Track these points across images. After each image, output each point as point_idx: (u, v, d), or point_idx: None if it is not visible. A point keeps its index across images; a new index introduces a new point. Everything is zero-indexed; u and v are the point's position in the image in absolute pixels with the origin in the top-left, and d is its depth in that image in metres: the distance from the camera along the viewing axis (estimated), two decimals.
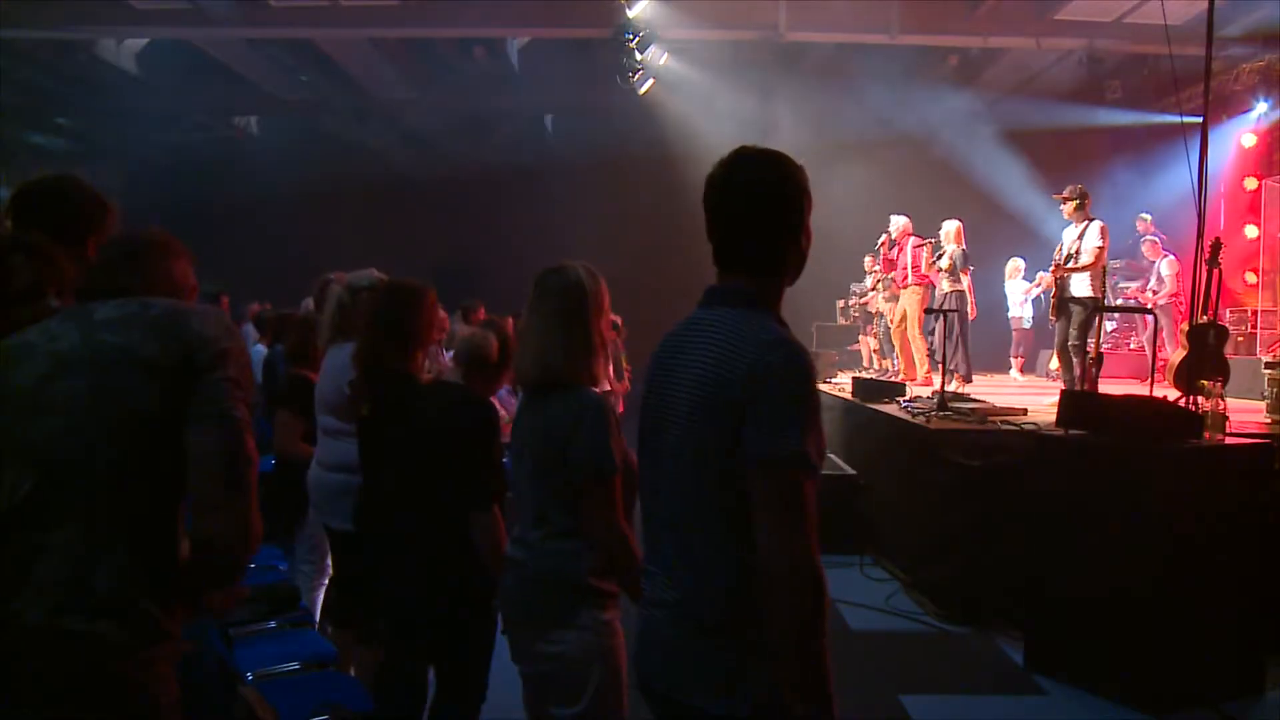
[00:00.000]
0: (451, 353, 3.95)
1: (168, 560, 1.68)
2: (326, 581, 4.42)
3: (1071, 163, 12.10)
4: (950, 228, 9.13)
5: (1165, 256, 10.32)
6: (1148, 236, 10.62)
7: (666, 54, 11.35)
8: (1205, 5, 6.06)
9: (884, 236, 10.02)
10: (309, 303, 7.04)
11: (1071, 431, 4.64)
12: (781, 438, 1.61)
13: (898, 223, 9.70)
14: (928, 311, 8.58)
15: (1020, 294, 11.49)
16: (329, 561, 4.39)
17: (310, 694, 2.98)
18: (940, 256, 9.05)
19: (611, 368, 3.43)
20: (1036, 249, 10.74)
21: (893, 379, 9.19)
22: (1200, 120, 5.97)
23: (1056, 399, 4.96)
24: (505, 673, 2.74)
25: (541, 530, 2.41)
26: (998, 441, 5.47)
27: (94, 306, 1.72)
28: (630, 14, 9.84)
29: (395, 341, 3.28)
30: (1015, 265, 11.50)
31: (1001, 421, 5.93)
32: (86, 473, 1.60)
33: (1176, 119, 7.18)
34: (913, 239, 9.51)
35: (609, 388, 3.07)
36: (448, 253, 14.29)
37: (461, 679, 3.03)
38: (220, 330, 1.73)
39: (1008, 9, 10.35)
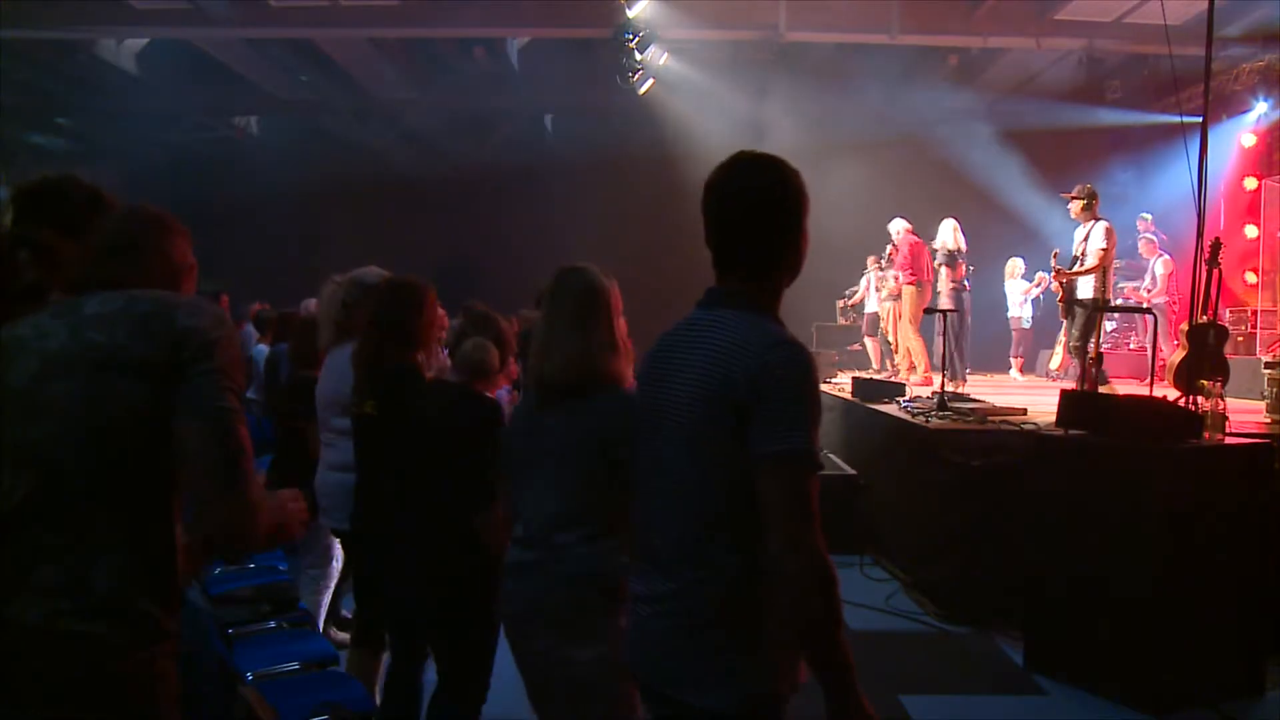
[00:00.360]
0: (447, 351, 3.95)
1: (166, 558, 1.67)
2: (332, 585, 4.43)
3: (1071, 163, 12.10)
4: (947, 226, 9.17)
5: (1160, 256, 10.32)
6: (1144, 235, 10.62)
7: (666, 54, 11.35)
8: (1205, 5, 6.06)
9: (890, 247, 10.02)
10: (310, 303, 7.04)
11: (1071, 431, 4.64)
12: (790, 436, 1.65)
13: (898, 226, 9.71)
14: (927, 311, 8.58)
15: (1020, 294, 11.49)
16: (336, 565, 4.40)
17: (310, 694, 2.98)
18: (934, 254, 9.11)
19: None
20: (1036, 249, 10.74)
21: (892, 378, 9.21)
22: (1200, 120, 5.97)
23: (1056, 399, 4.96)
24: (506, 673, 2.73)
25: (574, 532, 2.33)
26: (997, 441, 5.47)
27: (83, 301, 1.70)
28: (630, 14, 9.84)
29: (397, 340, 3.28)
30: (1015, 265, 11.50)
31: (1001, 421, 5.93)
32: (82, 475, 1.60)
33: (1176, 119, 7.18)
34: (911, 239, 9.53)
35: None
36: (447, 252, 14.28)
37: (463, 679, 3.03)
38: (208, 321, 1.69)
39: (1008, 9, 10.35)
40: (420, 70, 13.05)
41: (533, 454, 2.43)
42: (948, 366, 7.65)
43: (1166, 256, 10.28)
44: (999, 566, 5.12)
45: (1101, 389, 6.89)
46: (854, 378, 8.48)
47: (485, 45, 12.08)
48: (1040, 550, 4.65)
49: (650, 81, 11.55)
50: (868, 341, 11.55)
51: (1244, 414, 6.18)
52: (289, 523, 1.79)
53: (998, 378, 11.28)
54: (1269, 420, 6.14)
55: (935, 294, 9.26)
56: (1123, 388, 8.01)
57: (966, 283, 9.38)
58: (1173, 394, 6.03)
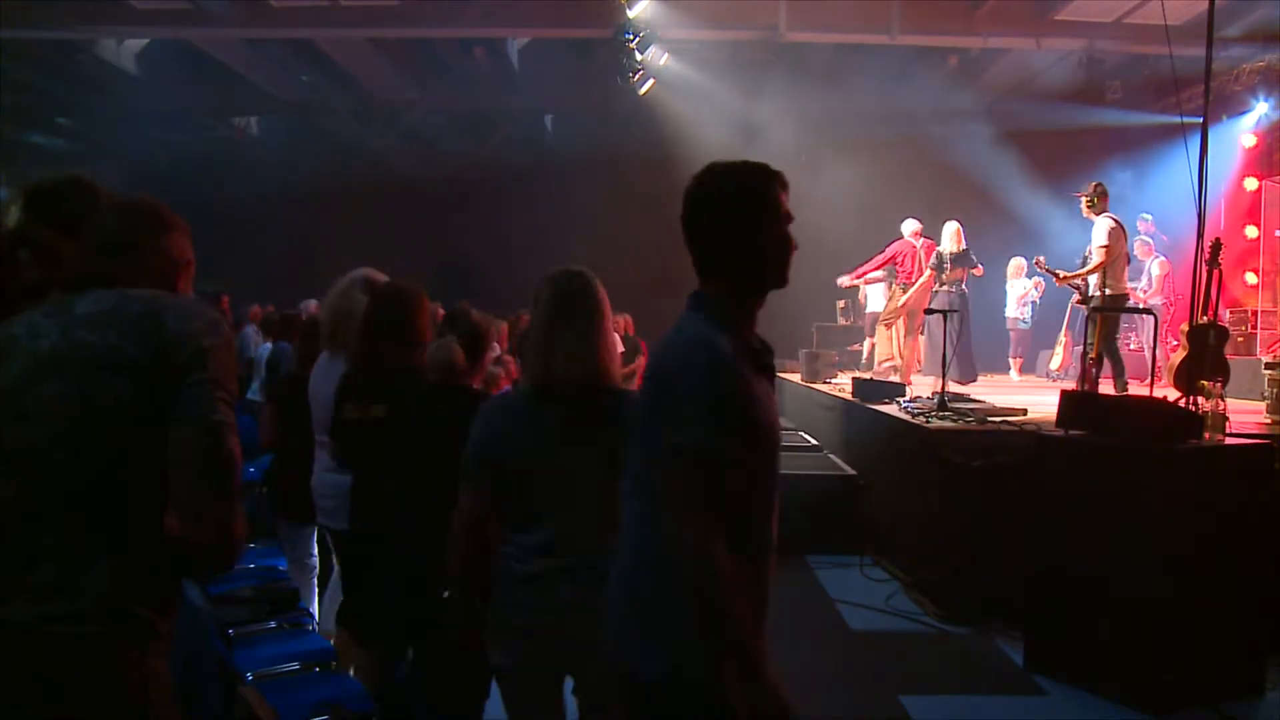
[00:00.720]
0: None
1: (157, 559, 1.65)
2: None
3: (1071, 163, 12.10)
4: (950, 229, 9.17)
5: (1155, 257, 10.32)
6: (1141, 236, 10.61)
7: (666, 54, 11.36)
8: (1205, 5, 6.05)
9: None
10: (311, 304, 7.05)
11: (1071, 432, 4.64)
12: (680, 431, 1.72)
13: (907, 228, 9.71)
14: (927, 312, 8.58)
15: (1020, 295, 11.46)
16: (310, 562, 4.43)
17: (310, 694, 2.99)
18: (945, 256, 9.12)
19: None
20: (1035, 249, 10.70)
21: (889, 373, 9.26)
22: (1200, 120, 5.96)
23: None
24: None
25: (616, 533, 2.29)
26: (998, 442, 5.47)
27: (76, 300, 1.67)
28: (630, 14, 9.84)
29: (395, 341, 3.29)
30: (1018, 265, 11.47)
31: (1001, 422, 5.93)
32: (71, 478, 1.58)
33: (1177, 119, 7.17)
34: (902, 241, 9.59)
35: None
36: (447, 253, 14.31)
37: (461, 680, 3.03)
38: (201, 325, 1.66)
39: (1008, 9, 10.36)
40: (420, 70, 13.05)
41: (551, 460, 2.39)
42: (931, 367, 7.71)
43: (1162, 258, 10.28)
44: (999, 567, 5.11)
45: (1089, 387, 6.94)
46: (854, 378, 8.48)
47: (485, 45, 12.08)
48: (1040, 550, 4.65)
49: (650, 82, 11.56)
50: (868, 343, 11.55)
51: (1244, 414, 6.18)
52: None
53: (997, 378, 11.27)
54: (1269, 421, 6.14)
55: (933, 294, 9.26)
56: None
57: (965, 286, 9.39)
58: (1173, 394, 6.03)
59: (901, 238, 9.82)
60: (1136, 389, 7.77)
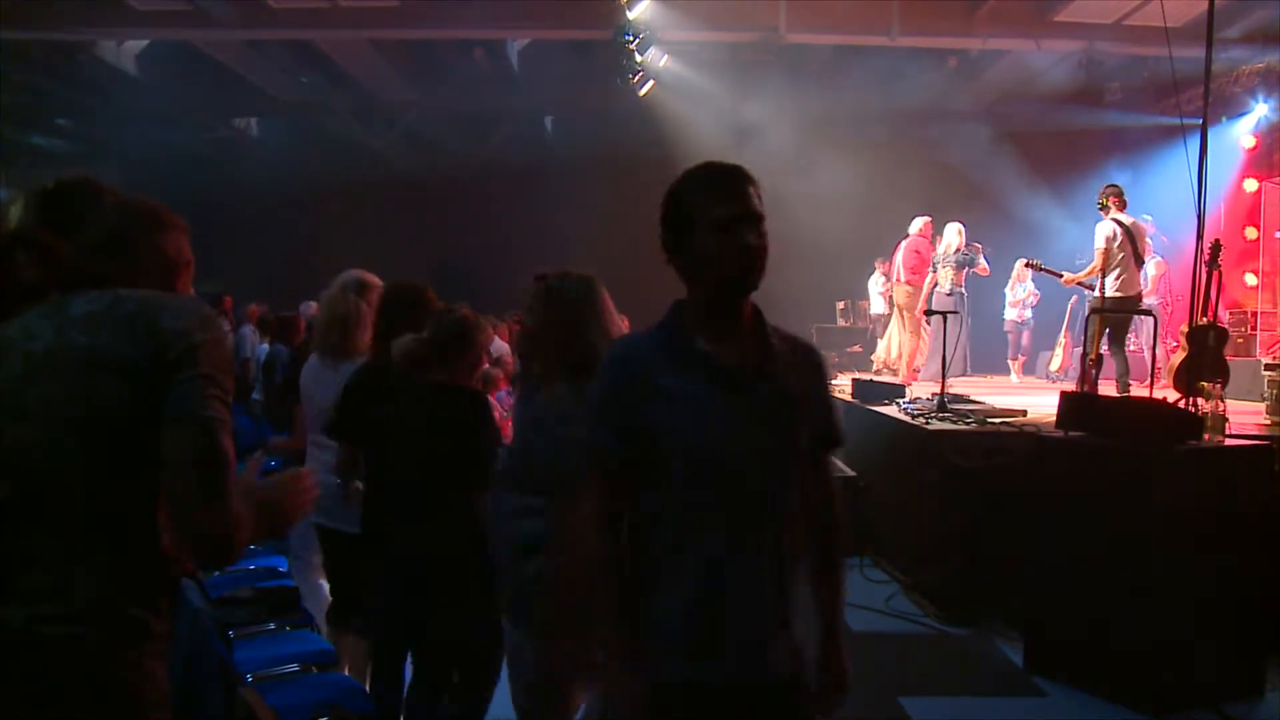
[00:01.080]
0: None
1: (152, 560, 1.65)
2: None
3: (1071, 164, 12.10)
4: (954, 230, 9.18)
5: (1151, 258, 10.29)
6: None
7: (666, 55, 11.35)
8: (1205, 7, 6.06)
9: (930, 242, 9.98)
10: (310, 306, 7.04)
11: (1071, 433, 4.64)
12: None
13: (919, 224, 9.72)
14: (927, 313, 8.59)
15: (1022, 296, 11.36)
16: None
17: (310, 695, 2.99)
18: (947, 257, 9.11)
19: None
20: (1034, 250, 10.70)
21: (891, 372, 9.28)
22: (1200, 122, 5.97)
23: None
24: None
25: None
26: (997, 443, 5.47)
27: (71, 300, 1.67)
28: (630, 15, 9.84)
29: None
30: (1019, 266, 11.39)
31: (1001, 423, 5.93)
32: (63, 479, 1.58)
33: (1176, 120, 7.18)
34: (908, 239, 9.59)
35: None
36: (447, 253, 14.29)
37: (472, 681, 3.06)
38: (194, 323, 1.65)
39: (1007, 11, 10.35)
40: (420, 71, 13.04)
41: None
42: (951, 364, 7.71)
43: (1159, 258, 10.27)
44: (999, 568, 5.11)
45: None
46: (854, 379, 8.48)
47: (485, 46, 12.07)
48: (1040, 552, 4.65)
49: (650, 83, 11.55)
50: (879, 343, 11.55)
51: (1244, 415, 6.18)
52: (290, 507, 1.77)
53: (997, 379, 11.26)
54: (1269, 422, 6.14)
55: (932, 295, 9.27)
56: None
57: (963, 289, 9.40)
58: (1173, 395, 6.04)
59: (909, 236, 9.80)
60: (1136, 390, 7.77)
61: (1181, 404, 5.19)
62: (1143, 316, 8.39)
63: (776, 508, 1.88)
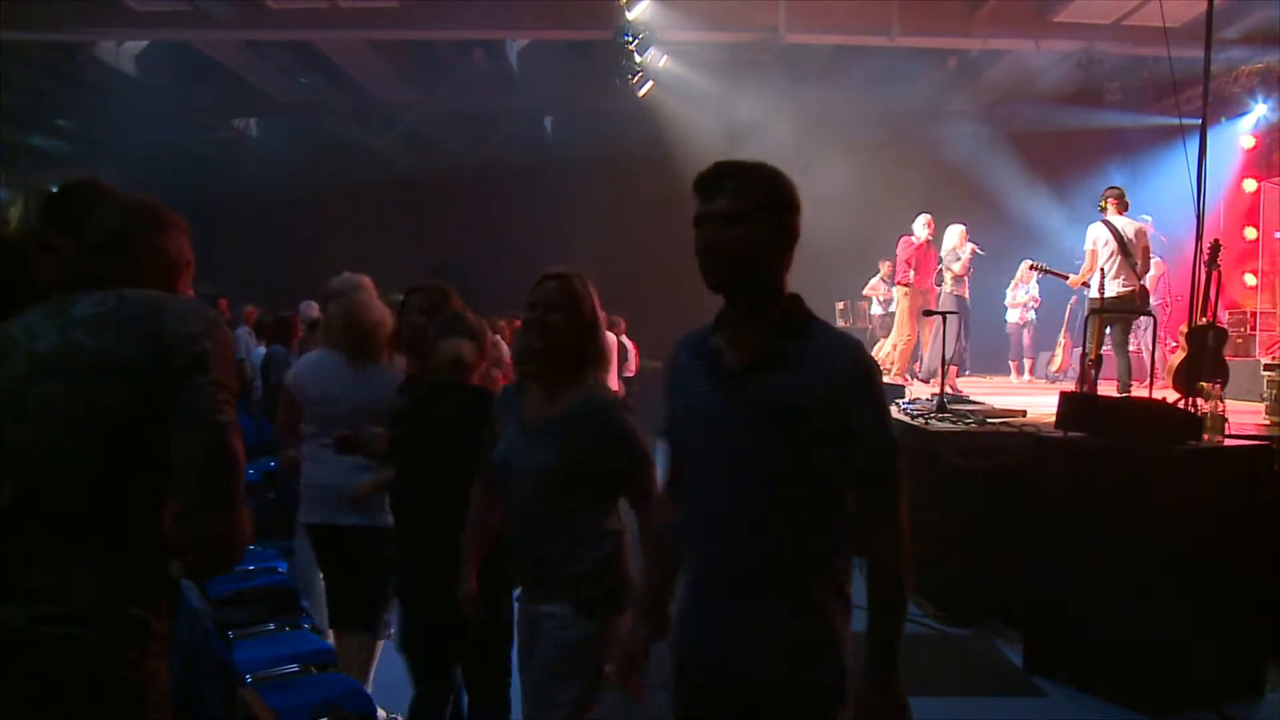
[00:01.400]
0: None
1: (153, 561, 1.65)
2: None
3: (1071, 165, 12.11)
4: (955, 231, 9.17)
5: (1151, 258, 10.29)
6: None
7: (666, 56, 11.35)
8: (1204, 7, 6.07)
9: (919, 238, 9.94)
10: (310, 307, 7.03)
11: (1071, 433, 4.64)
12: None
13: (930, 221, 9.70)
14: (926, 313, 8.59)
15: (1022, 299, 11.33)
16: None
17: (309, 695, 2.99)
18: (956, 260, 9.09)
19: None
20: (1035, 250, 10.72)
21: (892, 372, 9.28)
22: (1199, 122, 5.98)
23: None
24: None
25: None
26: (997, 443, 5.47)
27: (74, 300, 1.66)
28: (630, 16, 9.84)
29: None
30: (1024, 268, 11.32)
31: (1001, 423, 5.93)
32: (65, 481, 1.58)
33: (1175, 121, 7.19)
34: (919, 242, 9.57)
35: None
36: (447, 254, 14.31)
37: (492, 682, 3.08)
38: (200, 327, 1.65)
39: (1007, 11, 10.35)
40: (419, 72, 13.05)
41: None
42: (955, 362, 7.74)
43: (1158, 259, 10.27)
44: (998, 568, 5.11)
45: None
46: None
47: (484, 47, 12.07)
48: (1039, 552, 4.65)
49: (650, 83, 11.56)
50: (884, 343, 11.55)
51: (1243, 415, 6.18)
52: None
53: (996, 380, 11.26)
54: (1268, 422, 6.14)
55: (947, 295, 9.23)
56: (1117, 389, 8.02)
57: (964, 291, 9.40)
58: (1172, 396, 6.04)
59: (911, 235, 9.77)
60: (1136, 390, 7.77)
61: (1181, 404, 5.19)
62: (1143, 317, 8.40)
63: (751, 507, 1.84)
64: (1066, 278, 7.95)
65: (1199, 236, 5.94)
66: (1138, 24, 10.08)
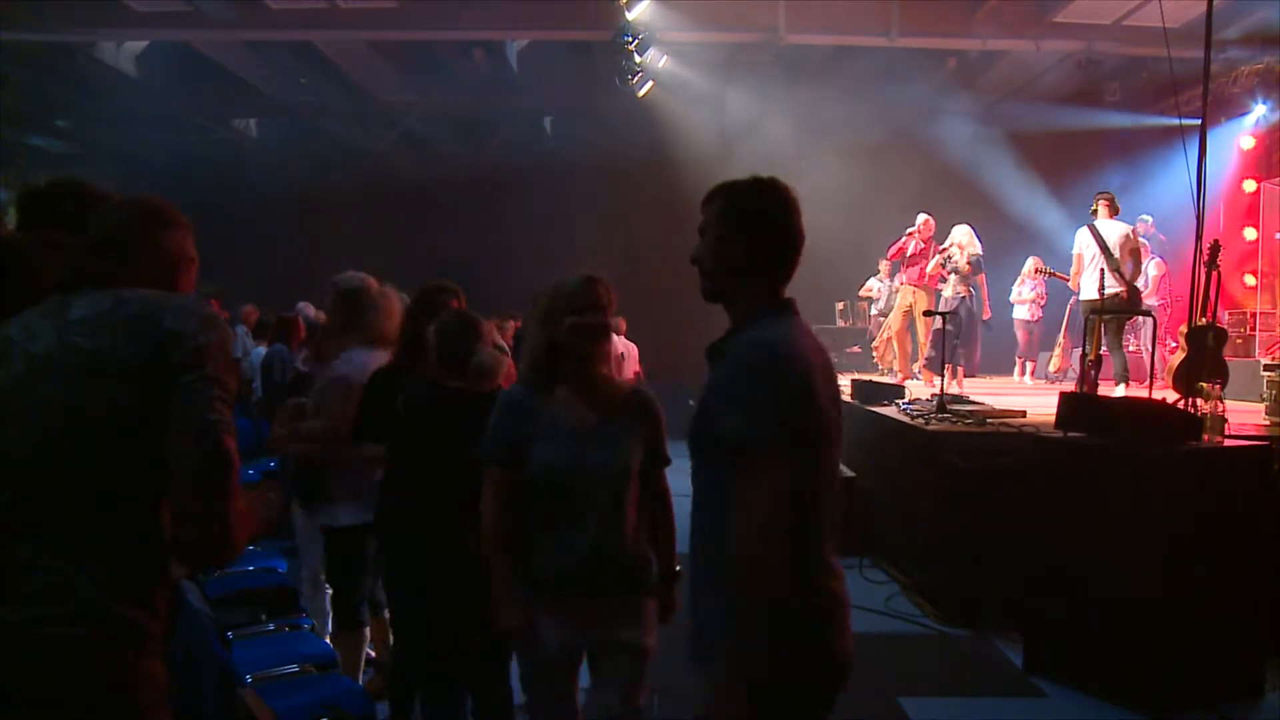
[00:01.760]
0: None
1: (151, 562, 1.65)
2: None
3: (1070, 165, 12.11)
4: (961, 231, 9.16)
5: (1151, 258, 10.29)
6: (1140, 239, 10.57)
7: (666, 56, 11.35)
8: (1204, 7, 6.07)
9: (912, 229, 9.92)
10: (307, 307, 7.03)
11: (1070, 434, 4.64)
12: None
13: (928, 220, 9.70)
14: (927, 314, 8.59)
15: (1028, 296, 11.27)
16: None
17: (309, 696, 2.99)
18: (950, 259, 9.08)
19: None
20: (1034, 251, 10.72)
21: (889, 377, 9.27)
22: (1199, 122, 5.98)
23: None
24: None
25: None
26: (997, 444, 5.47)
27: (71, 301, 1.66)
28: (629, 16, 9.84)
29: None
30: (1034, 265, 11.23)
31: (1000, 424, 5.93)
32: (62, 482, 1.58)
33: (1175, 121, 7.19)
34: (931, 242, 9.57)
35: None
36: (447, 255, 14.28)
37: (495, 690, 3.10)
38: (197, 324, 1.64)
39: (1007, 11, 10.35)
40: (419, 73, 13.04)
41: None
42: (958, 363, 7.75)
43: (1158, 259, 10.27)
44: (998, 569, 5.12)
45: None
46: (853, 380, 8.48)
47: (484, 48, 12.07)
48: (1039, 553, 4.66)
49: (650, 84, 11.55)
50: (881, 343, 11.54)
51: (1243, 416, 6.18)
52: (265, 515, 1.81)
53: (997, 380, 11.23)
54: (1268, 423, 6.14)
55: (951, 297, 9.23)
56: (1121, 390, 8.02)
57: (970, 288, 9.39)
58: (1172, 396, 6.04)
59: (925, 234, 9.76)
60: (1136, 390, 7.78)
61: (1181, 405, 5.19)
62: (1143, 317, 8.42)
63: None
64: (1067, 279, 8.01)
65: (1199, 237, 5.94)
66: (1137, 24, 10.09)
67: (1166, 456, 4.28)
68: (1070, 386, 8.37)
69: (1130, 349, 10.80)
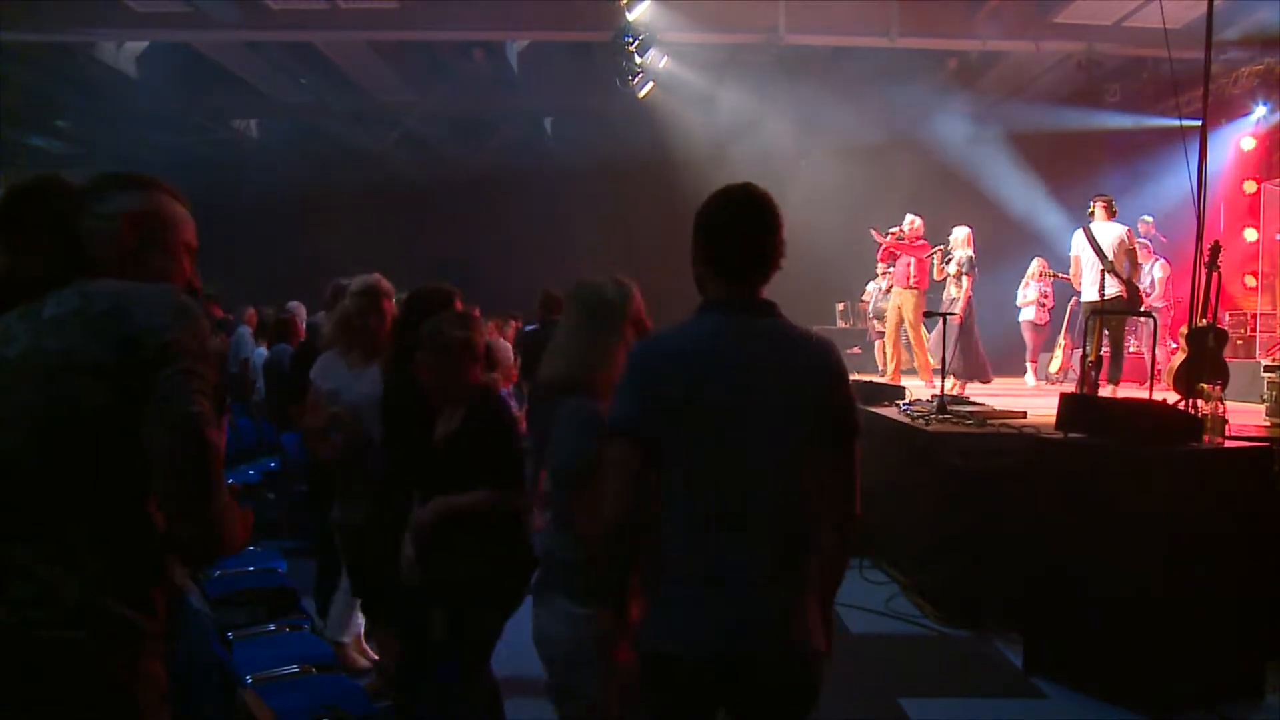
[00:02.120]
0: None
1: (147, 561, 1.64)
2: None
3: (1071, 166, 12.11)
4: (961, 233, 9.15)
5: (1156, 260, 10.29)
6: (1141, 240, 10.57)
7: (666, 57, 11.36)
8: (1204, 8, 6.06)
9: (896, 228, 9.92)
10: (299, 307, 7.02)
11: (1071, 435, 4.64)
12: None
13: (914, 221, 9.68)
14: (927, 314, 8.59)
15: (1033, 297, 11.21)
16: None
17: (309, 696, 2.98)
18: (949, 261, 9.07)
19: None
20: (1034, 252, 10.72)
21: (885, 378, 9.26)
22: (1199, 123, 5.97)
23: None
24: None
25: None
26: (997, 444, 5.47)
27: (46, 302, 1.64)
28: (630, 17, 9.85)
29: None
30: (1040, 267, 11.18)
31: (1001, 425, 5.92)
32: (48, 486, 1.57)
33: (1175, 122, 7.19)
34: (920, 242, 9.54)
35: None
36: (447, 255, 14.30)
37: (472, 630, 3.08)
38: (168, 317, 1.61)
39: (1007, 12, 10.36)
40: (419, 73, 13.05)
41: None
42: (955, 368, 7.74)
43: (1163, 260, 10.26)
44: (999, 569, 5.11)
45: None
46: (854, 381, 8.47)
47: (485, 48, 12.08)
48: (1039, 553, 4.65)
49: (650, 84, 11.56)
50: (877, 344, 11.52)
51: (1243, 417, 6.18)
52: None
53: (999, 381, 11.20)
54: (1269, 424, 6.14)
55: (953, 299, 9.21)
56: (1123, 390, 8.03)
57: (968, 287, 9.38)
58: (1172, 397, 6.03)
59: (912, 235, 9.74)
60: (1135, 391, 7.79)
61: (1181, 406, 5.19)
62: (1143, 318, 8.43)
63: None
64: (1069, 280, 8.06)
65: (1199, 238, 5.93)
66: (1137, 25, 10.10)
67: (1167, 457, 4.28)
68: (1071, 387, 8.37)
69: (1131, 350, 10.80)
